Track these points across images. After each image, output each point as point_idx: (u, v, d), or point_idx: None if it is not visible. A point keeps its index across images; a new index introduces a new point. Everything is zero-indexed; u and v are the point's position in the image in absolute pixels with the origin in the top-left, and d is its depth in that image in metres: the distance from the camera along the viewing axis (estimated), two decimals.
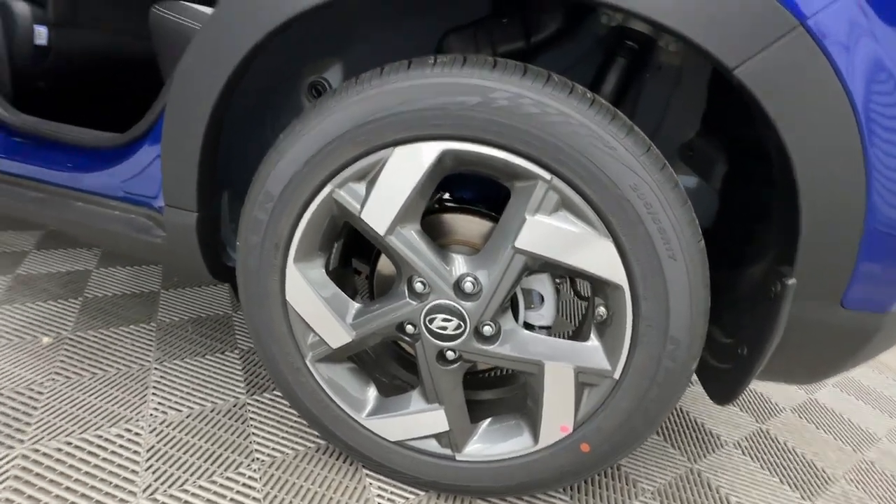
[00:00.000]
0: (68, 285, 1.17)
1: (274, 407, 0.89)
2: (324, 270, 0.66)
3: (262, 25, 0.56)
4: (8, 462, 0.69)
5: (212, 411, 0.85)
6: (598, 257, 0.55)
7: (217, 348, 1.03)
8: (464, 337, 0.63)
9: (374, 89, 0.54)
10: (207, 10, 0.89)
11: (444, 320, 0.62)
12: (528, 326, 0.68)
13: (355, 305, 0.67)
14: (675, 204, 0.52)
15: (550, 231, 0.55)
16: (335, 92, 0.57)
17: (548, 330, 0.68)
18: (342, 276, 0.74)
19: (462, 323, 0.62)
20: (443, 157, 0.55)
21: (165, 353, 0.99)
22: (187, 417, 0.83)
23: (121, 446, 0.75)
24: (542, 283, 0.66)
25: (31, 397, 0.81)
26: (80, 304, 1.10)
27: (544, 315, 0.67)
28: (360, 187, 0.59)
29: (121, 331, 1.03)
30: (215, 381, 0.93)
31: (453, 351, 0.65)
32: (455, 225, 0.68)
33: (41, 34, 0.97)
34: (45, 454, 0.71)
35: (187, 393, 0.88)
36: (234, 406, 0.87)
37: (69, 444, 0.74)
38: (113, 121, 1.01)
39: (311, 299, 0.65)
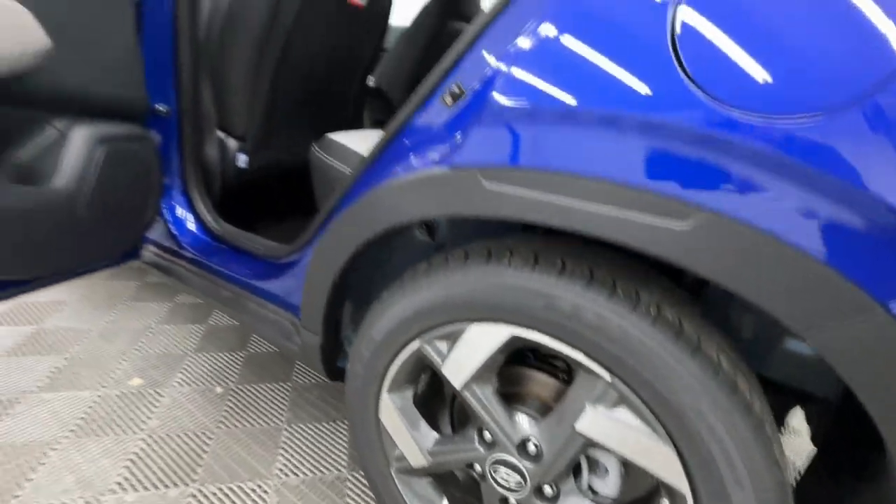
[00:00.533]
0: (240, 339, 1.51)
1: (367, 490, 1.02)
2: (411, 400, 0.78)
3: (382, 224, 0.71)
4: (184, 497, 0.94)
5: (319, 480, 1.02)
6: (660, 460, 0.55)
7: (334, 416, 1.22)
8: (524, 492, 0.67)
9: (456, 275, 0.64)
10: (360, 149, 1.11)
11: (507, 474, 0.68)
12: (593, 491, 0.69)
13: (434, 436, 0.76)
14: (745, 431, 0.50)
15: (611, 424, 0.57)
16: (428, 269, 0.68)
17: (612, 501, 0.68)
18: (429, 398, 0.85)
19: (523, 480, 0.66)
20: (511, 340, 0.62)
21: (294, 414, 1.21)
22: (301, 483, 1.01)
23: (254, 500, 0.95)
24: (607, 456, 0.67)
25: (203, 441, 1.09)
26: (244, 358, 1.41)
27: (609, 485, 0.67)
28: (443, 346, 0.69)
29: (267, 387, 1.30)
30: (327, 450, 1.11)
31: (515, 502, 0.69)
32: (527, 379, 0.73)
33: (242, 159, 1.31)
34: (205, 495, 0.95)
35: (304, 458, 1.08)
36: (336, 479, 1.03)
37: (220, 489, 0.97)
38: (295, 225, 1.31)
39: (398, 424, 0.76)
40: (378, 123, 1.87)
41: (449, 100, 0.65)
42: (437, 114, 0.67)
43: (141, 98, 0.93)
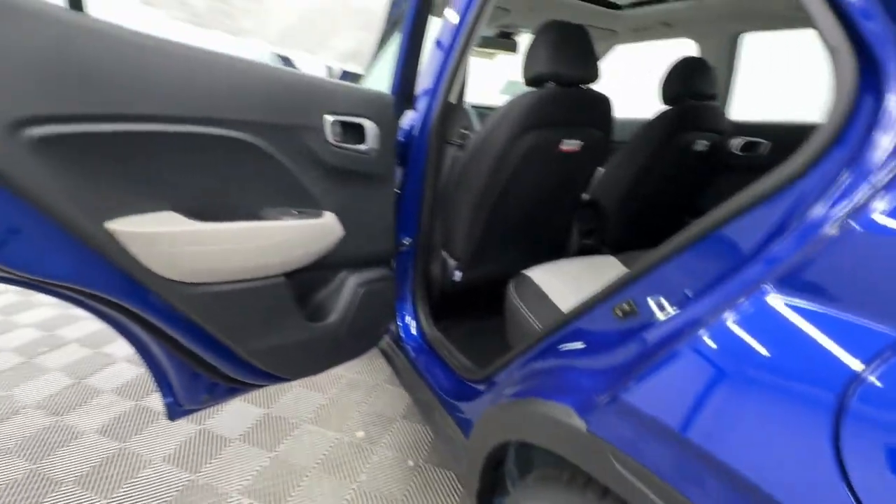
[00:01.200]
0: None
1: None
2: None
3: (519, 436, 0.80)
4: None
5: None
6: None
7: None
8: None
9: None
10: (551, 292, 1.22)
11: None
12: None
13: None
14: None
15: None
16: (541, 477, 0.73)
17: None
18: None
19: None
20: None
21: None
22: None
23: None
24: None
25: None
26: (433, 434, 1.67)
27: None
28: None
29: (447, 474, 1.51)
30: None
31: None
32: None
33: (458, 274, 1.60)
34: None
35: None
36: None
37: None
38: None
39: None
40: (586, 233, 1.92)
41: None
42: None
43: (392, 249, 1.29)
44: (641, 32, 2.27)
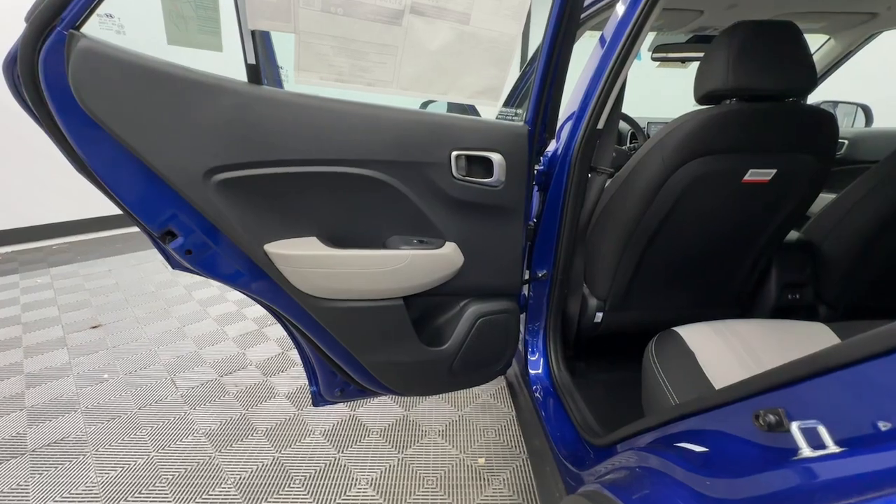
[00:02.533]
0: None
1: None
2: None
3: None
4: None
5: None
6: None
7: None
8: None
9: None
10: (707, 362, 0.99)
11: None
12: None
13: None
14: None
15: None
16: None
17: None
18: None
19: None
20: None
21: None
22: None
23: None
24: None
25: None
26: (537, 488, 1.54)
27: None
28: None
29: None
30: None
31: None
32: None
33: (598, 316, 1.44)
34: None
35: None
36: None
37: None
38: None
39: None
40: (793, 286, 1.48)
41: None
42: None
43: (517, 283, 1.25)
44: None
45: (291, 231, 0.96)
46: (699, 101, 1.15)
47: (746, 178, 1.12)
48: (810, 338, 1.06)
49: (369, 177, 0.98)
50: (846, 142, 2.11)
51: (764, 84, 1.03)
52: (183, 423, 1.87)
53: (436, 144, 1.02)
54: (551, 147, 1.32)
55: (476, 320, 1.21)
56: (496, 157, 1.08)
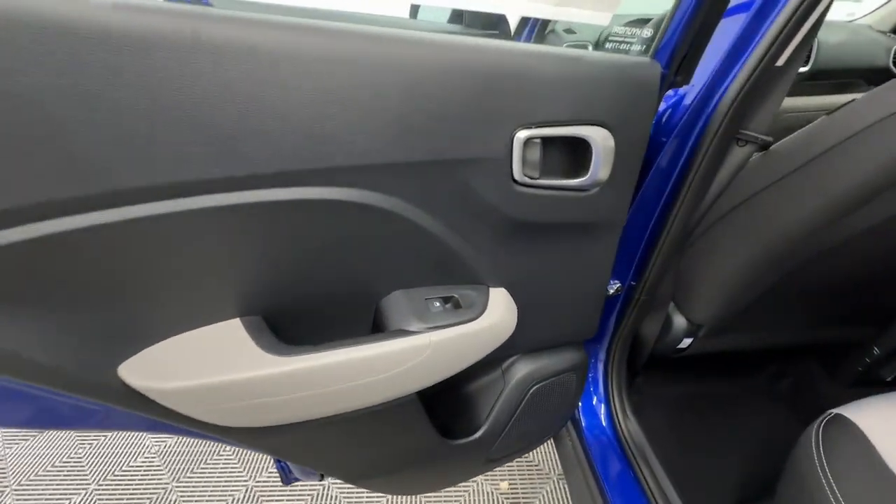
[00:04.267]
0: None
1: None
2: None
3: None
4: None
5: None
6: None
7: None
8: None
9: None
10: None
11: None
12: None
13: None
14: None
15: None
16: None
17: None
18: None
19: None
20: None
21: None
22: None
23: None
24: None
25: None
26: None
27: None
28: None
29: None
30: None
31: None
32: None
33: (686, 342, 1.01)
34: None
35: None
36: None
37: None
38: None
39: None
40: None
41: None
42: None
43: (594, 328, 0.79)
44: None
45: (184, 317, 0.46)
46: None
47: None
48: None
49: (346, 203, 0.45)
50: None
51: None
52: None
53: (484, 117, 0.48)
54: (671, 95, 0.75)
55: (528, 389, 0.77)
56: (598, 137, 0.55)
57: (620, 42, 0.65)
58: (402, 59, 0.44)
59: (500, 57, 0.47)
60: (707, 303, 0.93)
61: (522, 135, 0.50)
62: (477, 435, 0.75)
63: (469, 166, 0.50)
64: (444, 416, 0.75)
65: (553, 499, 1.31)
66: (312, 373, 0.47)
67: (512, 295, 0.64)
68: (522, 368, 0.76)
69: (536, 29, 1.33)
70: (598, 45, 1.81)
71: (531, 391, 0.77)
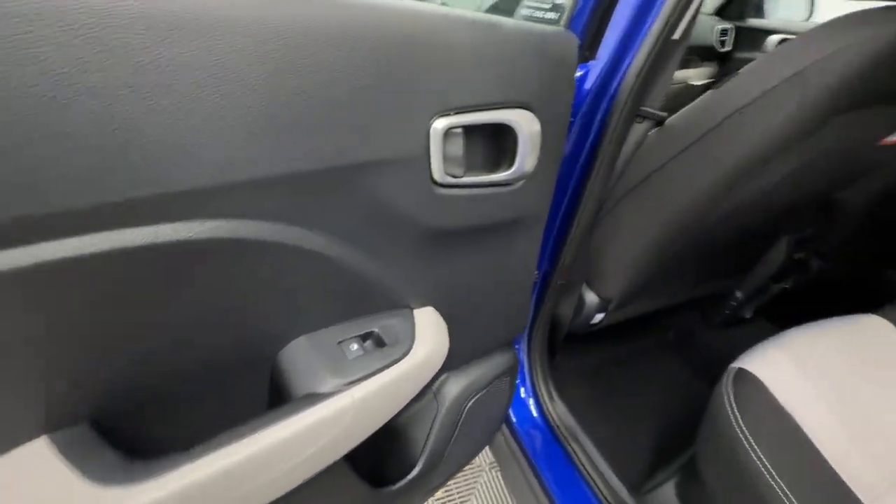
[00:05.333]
0: None
1: None
2: None
3: None
4: None
5: None
6: None
7: None
8: None
9: None
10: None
11: None
12: None
13: None
14: None
15: None
16: None
17: None
18: None
19: None
20: None
21: None
22: None
23: None
24: None
25: None
26: None
27: None
28: None
29: None
30: None
31: None
32: None
33: (598, 318, 1.03)
34: None
35: None
36: None
37: None
38: None
39: None
40: (799, 242, 1.22)
41: None
42: None
43: (525, 324, 0.73)
44: None
45: None
46: None
47: (890, 138, 0.70)
48: (879, 342, 0.81)
49: (201, 242, 0.30)
50: None
51: None
52: None
53: (391, 104, 0.37)
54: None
55: (463, 406, 0.69)
56: (523, 122, 0.46)
57: (536, 8, 0.57)
58: (265, 20, 0.30)
59: (405, 19, 0.36)
60: (617, 278, 0.95)
61: (440, 124, 0.40)
62: (414, 473, 0.65)
63: (375, 171, 0.38)
64: (374, 461, 0.63)
65: (489, 490, 1.29)
66: (186, 497, 0.32)
67: (439, 311, 0.55)
68: (455, 387, 0.68)
69: None
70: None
71: (467, 408, 0.69)
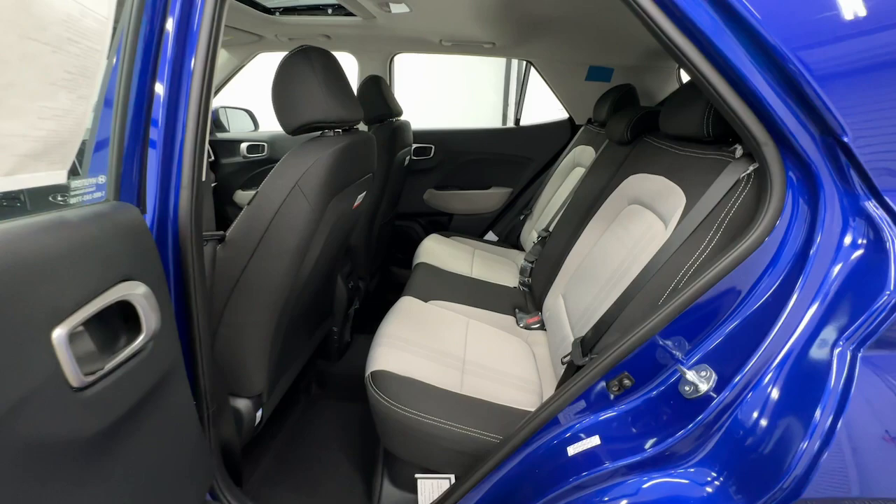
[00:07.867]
0: None
1: None
2: None
3: None
4: None
5: None
6: None
7: None
8: None
9: None
10: (423, 375, 1.01)
11: None
12: None
13: None
14: None
15: None
16: None
17: None
18: None
19: None
20: None
21: None
22: None
23: None
24: None
25: None
26: None
27: None
28: None
29: None
30: None
31: None
32: None
33: (258, 416, 1.08)
34: None
35: None
36: None
37: None
38: None
39: None
40: (347, 276, 1.69)
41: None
42: None
43: (211, 467, 0.70)
44: (297, 41, 2.04)
45: None
46: (293, 132, 0.98)
47: (357, 203, 1.13)
48: (413, 309, 1.34)
49: None
50: (266, 144, 2.42)
51: (352, 115, 1.03)
52: None
53: (3, 337, 0.35)
54: None
55: None
56: (135, 291, 0.51)
57: (82, 194, 0.56)
58: None
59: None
60: (258, 369, 1.03)
61: (61, 332, 0.38)
62: None
63: (11, 419, 0.33)
64: None
65: None
66: None
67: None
68: None
69: None
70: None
71: None
